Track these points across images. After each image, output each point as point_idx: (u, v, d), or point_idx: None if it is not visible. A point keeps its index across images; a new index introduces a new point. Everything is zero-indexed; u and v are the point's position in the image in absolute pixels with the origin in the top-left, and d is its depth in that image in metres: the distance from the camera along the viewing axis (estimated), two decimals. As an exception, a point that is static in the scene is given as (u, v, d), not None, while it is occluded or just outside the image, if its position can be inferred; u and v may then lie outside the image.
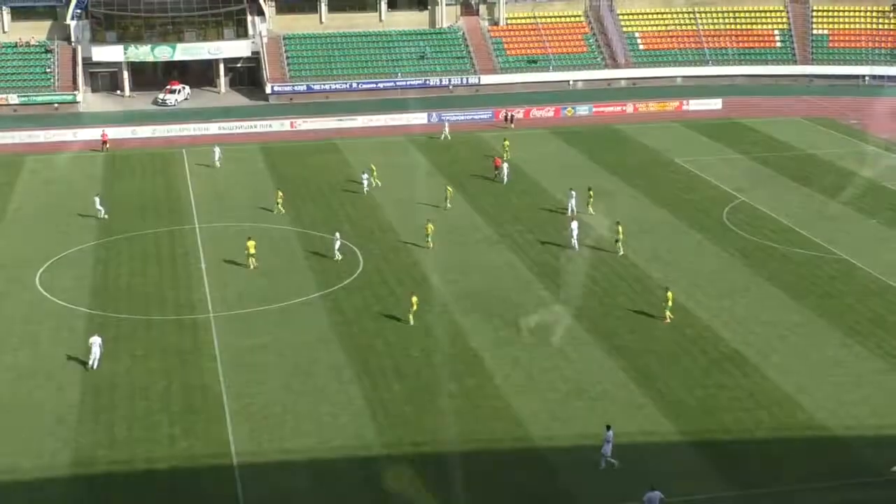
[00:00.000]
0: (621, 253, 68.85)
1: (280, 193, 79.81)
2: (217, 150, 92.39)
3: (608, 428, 44.54)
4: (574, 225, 70.74)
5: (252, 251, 66.84)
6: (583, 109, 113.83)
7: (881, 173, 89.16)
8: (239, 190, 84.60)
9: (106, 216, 76.43)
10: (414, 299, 58.87)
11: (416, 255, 69.05)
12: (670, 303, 59.23)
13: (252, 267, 66.39)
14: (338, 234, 69.20)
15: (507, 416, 48.30)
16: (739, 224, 75.65)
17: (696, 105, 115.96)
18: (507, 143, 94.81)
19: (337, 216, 77.33)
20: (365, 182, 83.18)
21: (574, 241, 69.76)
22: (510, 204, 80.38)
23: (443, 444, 46.14)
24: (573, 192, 77.37)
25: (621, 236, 69.56)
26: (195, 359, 54.09)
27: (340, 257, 67.91)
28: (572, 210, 76.48)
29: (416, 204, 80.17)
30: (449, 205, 77.88)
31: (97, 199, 77.53)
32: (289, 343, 55.85)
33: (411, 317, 58.28)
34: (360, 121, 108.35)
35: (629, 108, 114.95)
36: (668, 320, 58.59)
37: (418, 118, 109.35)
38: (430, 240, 68.96)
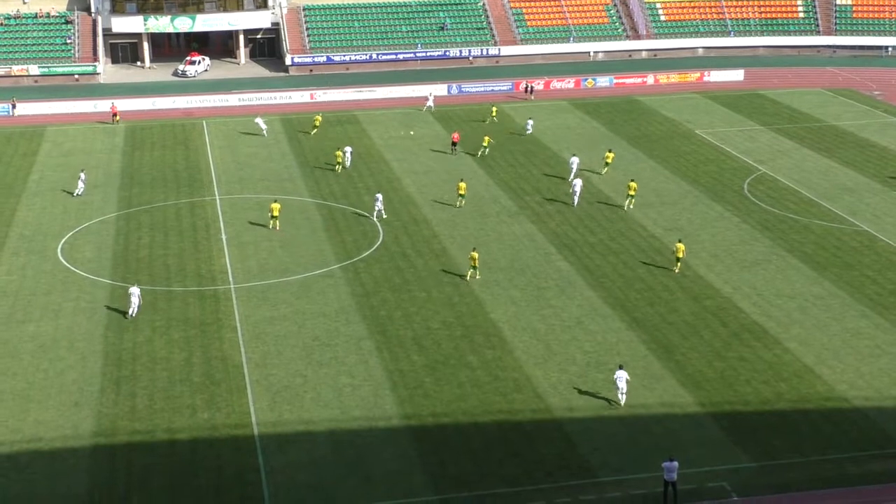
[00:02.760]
0: (630, 208, 70.76)
1: (339, 153, 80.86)
2: (260, 120, 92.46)
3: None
4: (577, 183, 72.98)
5: (276, 213, 67.74)
6: (603, 81, 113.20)
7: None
8: (259, 162, 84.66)
9: (79, 194, 75.40)
10: (475, 255, 59.87)
11: (436, 227, 68.98)
12: (680, 254, 60.50)
13: (275, 228, 67.55)
14: (379, 196, 70.62)
15: (526, 388, 48.38)
16: (760, 196, 75.24)
17: (717, 76, 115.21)
18: (494, 110, 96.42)
19: (356, 188, 77.33)
20: (348, 157, 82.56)
21: (576, 199, 72.55)
22: (530, 175, 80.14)
23: (463, 415, 46.25)
24: (575, 158, 78.90)
25: (633, 192, 71.39)
26: (216, 330, 54.32)
27: (382, 217, 69.72)
28: (574, 172, 78.01)
29: (434, 176, 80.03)
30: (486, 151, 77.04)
31: (82, 175, 76.83)
32: (309, 314, 56.00)
33: (476, 273, 59.85)
34: (380, 92, 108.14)
35: (650, 80, 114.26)
36: (677, 270, 60.29)
37: (438, 90, 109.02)
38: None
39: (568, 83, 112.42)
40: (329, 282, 60.32)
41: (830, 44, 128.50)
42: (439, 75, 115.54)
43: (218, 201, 74.77)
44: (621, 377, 46.79)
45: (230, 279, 60.79)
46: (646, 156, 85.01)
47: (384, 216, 70.35)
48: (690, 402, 47.21)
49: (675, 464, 40.31)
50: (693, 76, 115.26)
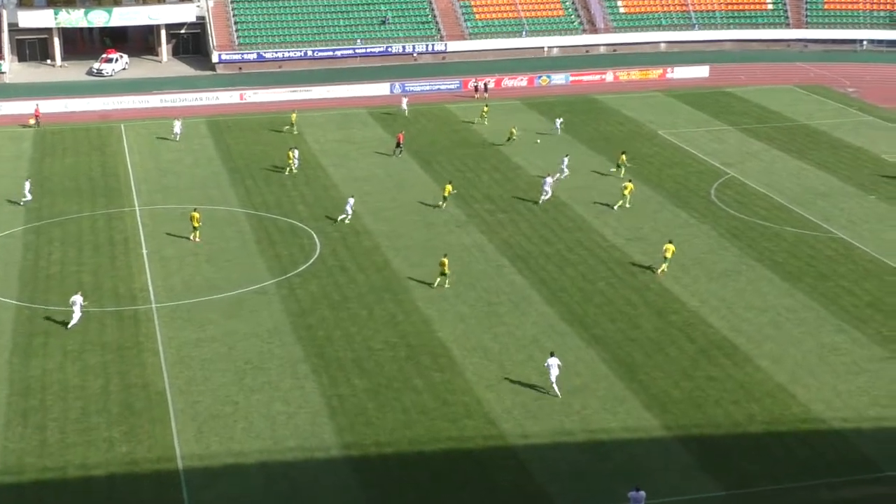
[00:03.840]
0: (627, 206, 73.12)
1: (290, 154, 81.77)
2: (178, 123, 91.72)
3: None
4: (548, 182, 74.60)
5: (196, 223, 67.54)
6: (559, 78, 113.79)
7: (880, 145, 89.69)
8: (183, 168, 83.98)
9: (25, 202, 75.10)
10: (445, 261, 60.54)
11: (378, 238, 68.79)
12: (669, 255, 61.95)
13: (195, 239, 67.45)
14: (351, 200, 71.99)
15: (478, 414, 48.24)
16: (728, 201, 75.88)
17: (681, 73, 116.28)
18: (486, 109, 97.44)
19: (290, 197, 76.93)
20: (296, 163, 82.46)
21: (544, 197, 74.13)
22: (480, 181, 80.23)
23: (408, 444, 46.01)
24: (565, 159, 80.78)
25: (627, 193, 73.68)
26: (136, 354, 53.64)
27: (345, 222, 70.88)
28: (561, 172, 79.43)
29: (376, 183, 79.86)
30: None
31: (27, 184, 76.41)
32: (239, 335, 55.52)
33: (444, 280, 60.63)
34: (316, 92, 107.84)
35: (609, 77, 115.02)
36: (661, 272, 62.10)
37: (380, 89, 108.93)
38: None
39: (520, 81, 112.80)
40: (261, 299, 59.88)
41: (801, 37, 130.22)
42: (381, 73, 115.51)
43: (138, 212, 74.01)
44: (553, 364, 48.91)
45: (151, 298, 60.12)
46: (605, 159, 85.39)
47: (347, 221, 71.04)
48: (656, 426, 47.33)
49: (643, 493, 40.37)
50: (655, 73, 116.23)
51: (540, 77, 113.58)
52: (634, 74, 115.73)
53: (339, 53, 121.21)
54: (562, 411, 48.32)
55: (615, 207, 73.66)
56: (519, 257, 65.84)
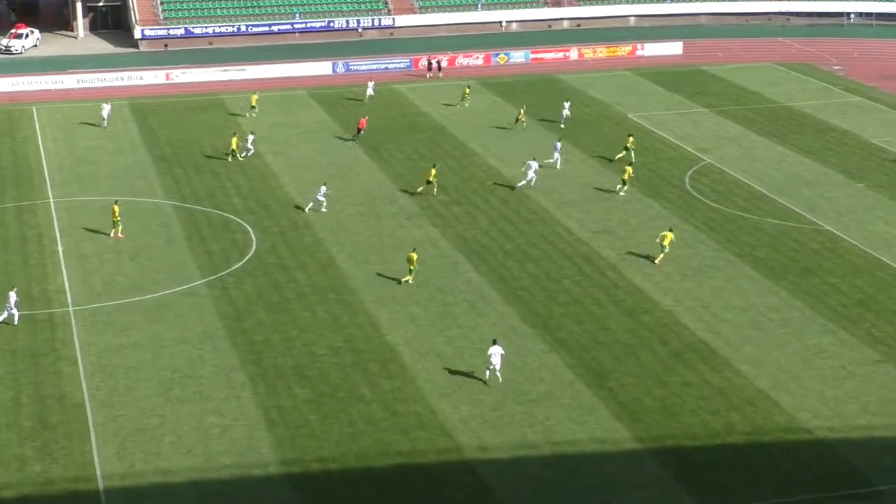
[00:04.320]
0: (621, 194, 74.79)
1: (234, 140, 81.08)
2: (107, 107, 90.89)
3: None
4: (534, 166, 75.45)
5: (118, 218, 67.40)
6: (518, 56, 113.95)
7: (868, 128, 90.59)
8: (104, 156, 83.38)
9: None
10: (414, 255, 60.88)
11: (321, 233, 68.61)
12: (667, 242, 63.41)
13: (116, 235, 67.20)
14: (323, 188, 71.89)
15: (431, 425, 48.21)
16: (704, 191, 76.34)
17: (652, 50, 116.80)
18: (468, 90, 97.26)
19: (224, 187, 76.56)
20: (251, 149, 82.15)
21: (523, 182, 75.03)
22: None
23: (355, 458, 45.91)
24: (558, 144, 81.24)
25: (627, 177, 75.11)
26: (51, 362, 53.17)
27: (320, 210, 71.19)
28: (554, 160, 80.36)
29: (319, 171, 79.64)
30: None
31: None
32: (167, 341, 55.17)
33: (411, 277, 60.86)
34: (251, 71, 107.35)
35: (573, 55, 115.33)
36: (659, 262, 63.34)
37: (321, 68, 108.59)
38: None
39: (476, 59, 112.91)
40: (191, 301, 59.55)
41: (783, 10, 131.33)
42: (322, 51, 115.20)
43: (52, 205, 73.37)
44: (496, 353, 50.50)
45: (68, 300, 59.64)
46: (570, 144, 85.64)
47: (323, 210, 71.47)
48: (627, 437, 47.52)
49: (611, 510, 40.54)
50: (624, 50, 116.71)
51: (497, 55, 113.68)
52: (601, 52, 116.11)
53: (276, 29, 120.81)
54: (524, 422, 48.40)
55: (620, 192, 75.32)
56: (476, 253, 65.86)
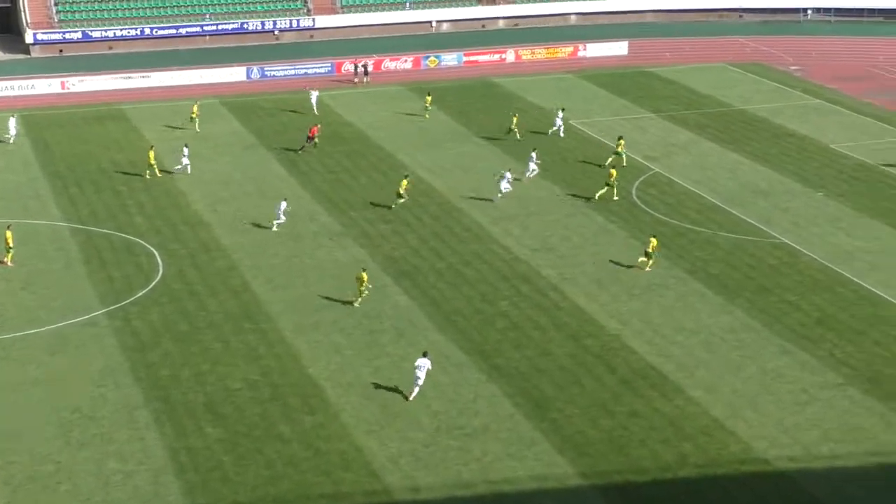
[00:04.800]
0: (616, 198, 76.67)
1: (151, 154, 79.78)
2: (13, 120, 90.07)
3: None
4: (508, 177, 76.62)
5: (10, 243, 66.74)
6: (450, 59, 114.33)
7: (829, 132, 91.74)
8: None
9: None
10: (364, 275, 61.15)
11: (234, 255, 68.40)
12: (651, 248, 64.90)
13: (7, 262, 66.55)
14: (284, 203, 72.12)
15: (357, 464, 48.13)
16: (653, 202, 76.92)
17: (595, 50, 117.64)
18: (429, 98, 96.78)
19: (126, 207, 76.13)
20: (185, 162, 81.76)
21: (500, 193, 76.45)
22: (356, 184, 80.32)
23: (273, 503, 45.71)
24: (533, 154, 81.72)
25: (613, 180, 76.45)
26: (-65, 404, 52.64)
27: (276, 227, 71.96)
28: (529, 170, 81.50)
29: (233, 188, 79.43)
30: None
31: None
32: (64, 378, 54.69)
33: (358, 298, 61.37)
34: (157, 79, 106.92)
35: (510, 56, 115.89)
36: (646, 267, 65.74)
37: (234, 74, 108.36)
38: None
39: (405, 63, 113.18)
40: (91, 332, 59.14)
41: (735, 6, 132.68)
42: (235, 55, 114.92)
43: (-65, 229, 72.66)
44: (422, 366, 52.04)
45: (-46, 334, 59.11)
46: (505, 153, 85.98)
47: (276, 224, 71.82)
48: (571, 473, 47.69)
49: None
50: (565, 51, 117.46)
51: (427, 57, 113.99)
52: (540, 53, 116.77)
53: (183, 32, 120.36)
54: (458, 459, 48.44)
55: (601, 197, 76.45)
56: (405, 274, 65.93)
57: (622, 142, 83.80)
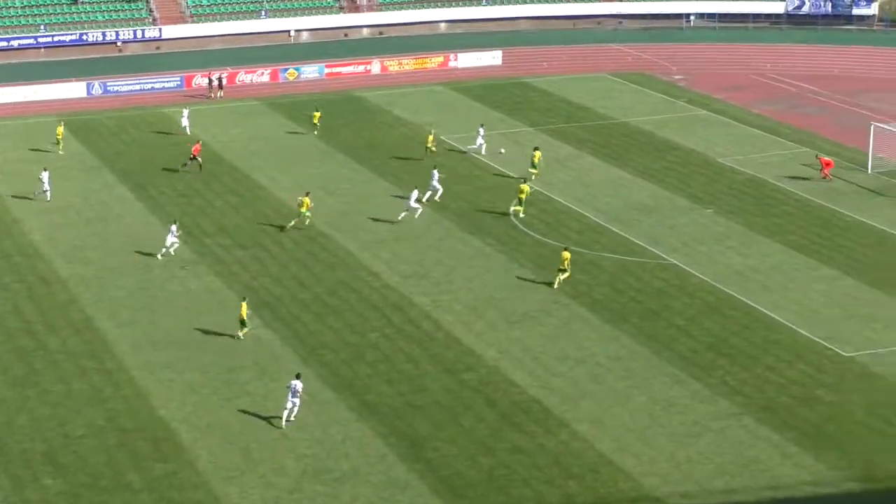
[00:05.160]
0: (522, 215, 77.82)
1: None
2: None
3: None
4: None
5: None
6: (311, 71, 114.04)
7: (717, 145, 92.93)
8: None
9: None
10: (244, 305, 61.08)
11: (75, 288, 67.23)
12: (565, 264, 66.20)
13: None
14: (174, 227, 71.37)
15: (215, 515, 47.51)
16: (531, 223, 77.18)
17: (467, 60, 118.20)
18: (317, 114, 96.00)
19: (-46, 236, 74.66)
20: (47, 188, 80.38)
21: (409, 210, 77.14)
22: (212, 208, 79.53)
23: (122, 561, 44.97)
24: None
25: (523, 196, 77.95)
26: None
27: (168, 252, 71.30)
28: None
29: (73, 214, 78.17)
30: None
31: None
32: None
33: (241, 334, 60.95)
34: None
35: (375, 68, 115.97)
36: (556, 284, 67.04)
37: (73, 89, 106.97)
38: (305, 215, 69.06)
39: (261, 76, 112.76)
40: (-85, 378, 57.70)
41: (614, 12, 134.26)
42: (74, 69, 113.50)
43: None
44: (296, 388, 52.85)
45: None
46: (372, 172, 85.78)
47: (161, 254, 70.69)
48: (449, 518, 47.54)
49: None
50: (434, 61, 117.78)
51: (286, 70, 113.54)
52: (408, 64, 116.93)
53: (16, 44, 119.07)
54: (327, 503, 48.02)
55: (518, 215, 77.65)
56: (266, 305, 65.32)
57: (538, 153, 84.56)
